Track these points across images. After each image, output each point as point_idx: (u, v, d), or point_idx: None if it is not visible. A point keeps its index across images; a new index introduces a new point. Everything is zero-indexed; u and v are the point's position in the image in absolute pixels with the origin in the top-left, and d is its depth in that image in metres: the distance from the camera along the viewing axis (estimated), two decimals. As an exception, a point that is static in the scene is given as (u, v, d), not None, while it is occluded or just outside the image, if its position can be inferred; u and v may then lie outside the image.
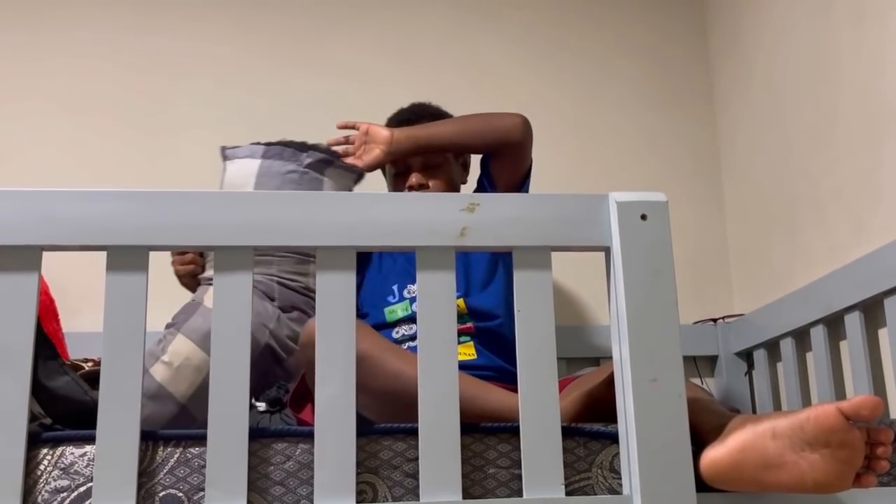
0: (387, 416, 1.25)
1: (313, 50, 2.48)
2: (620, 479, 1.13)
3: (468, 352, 1.70)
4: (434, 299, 1.10)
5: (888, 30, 1.71)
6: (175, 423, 1.40)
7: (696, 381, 2.23)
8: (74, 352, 1.69)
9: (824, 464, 1.02)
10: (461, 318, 1.68)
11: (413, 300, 1.74)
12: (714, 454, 1.08)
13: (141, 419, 1.02)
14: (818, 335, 1.84)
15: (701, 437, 1.13)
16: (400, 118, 1.92)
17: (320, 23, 2.50)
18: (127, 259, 1.06)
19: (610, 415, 1.14)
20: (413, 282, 1.75)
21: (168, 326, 1.50)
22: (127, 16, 2.45)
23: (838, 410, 1.01)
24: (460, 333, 1.69)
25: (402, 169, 1.84)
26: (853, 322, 1.71)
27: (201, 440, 1.06)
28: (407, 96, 2.46)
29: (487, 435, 1.13)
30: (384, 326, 1.74)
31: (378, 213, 1.10)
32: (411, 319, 1.72)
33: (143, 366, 1.05)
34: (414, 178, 1.81)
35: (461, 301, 1.74)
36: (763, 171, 2.24)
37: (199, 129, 2.39)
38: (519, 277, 1.13)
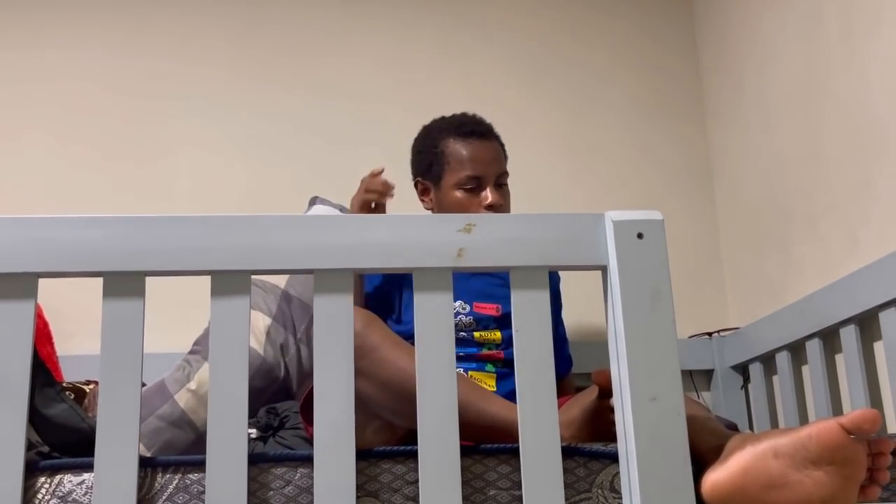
0: (387, 411, 1.29)
1: (306, 69, 2.49)
2: (621, 498, 1.12)
3: (489, 382, 1.66)
4: (432, 321, 1.10)
5: (878, 46, 1.72)
6: (193, 451, 1.39)
7: (693, 395, 2.24)
8: (70, 375, 1.68)
9: (830, 481, 1.00)
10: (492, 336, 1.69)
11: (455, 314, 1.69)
12: (716, 477, 1.08)
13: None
14: (814, 348, 1.85)
15: (699, 457, 1.13)
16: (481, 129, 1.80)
17: (313, 42, 2.51)
18: (123, 285, 1.06)
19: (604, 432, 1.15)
20: (485, 300, 1.73)
21: (193, 352, 1.50)
22: (117, 37, 2.45)
23: (840, 426, 0.99)
24: (485, 360, 1.67)
25: (472, 184, 1.74)
26: (848, 335, 1.71)
27: (200, 466, 1.05)
28: (400, 115, 2.47)
29: (487, 456, 1.12)
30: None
31: (374, 235, 1.10)
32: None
33: (140, 392, 1.04)
34: (492, 197, 1.73)
35: (498, 307, 1.72)
36: (756, 185, 2.25)
37: (192, 149, 2.39)
38: (516, 297, 1.13)
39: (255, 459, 1.07)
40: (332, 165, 2.42)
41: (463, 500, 1.07)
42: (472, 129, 1.78)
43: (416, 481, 1.06)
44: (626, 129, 2.54)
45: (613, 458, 1.15)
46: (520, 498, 1.09)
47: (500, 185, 1.76)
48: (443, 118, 1.84)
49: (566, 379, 1.90)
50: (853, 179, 1.80)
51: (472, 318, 1.72)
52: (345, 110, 2.47)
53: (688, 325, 2.34)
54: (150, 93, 2.42)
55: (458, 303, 1.73)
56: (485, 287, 1.76)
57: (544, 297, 1.13)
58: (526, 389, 1.10)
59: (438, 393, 1.07)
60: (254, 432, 1.47)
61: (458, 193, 1.74)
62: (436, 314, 1.10)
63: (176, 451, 1.37)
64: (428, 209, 1.82)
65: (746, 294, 2.31)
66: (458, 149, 1.75)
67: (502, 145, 1.82)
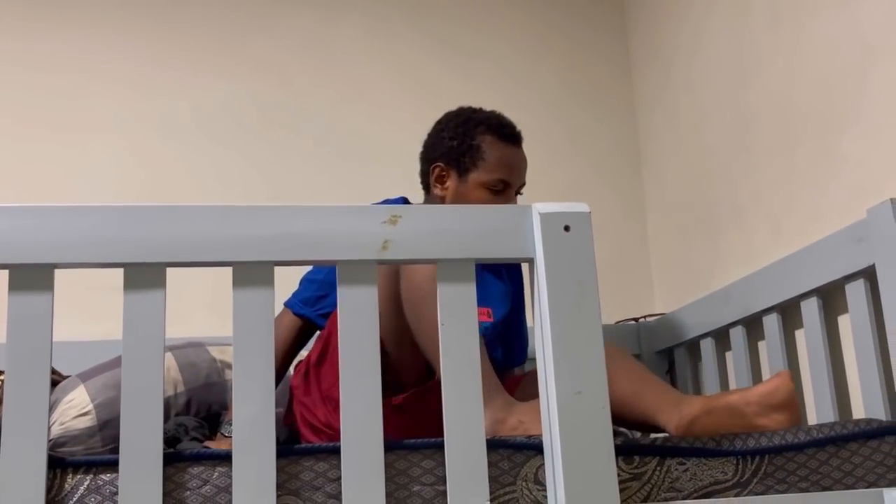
0: (406, 354, 1.44)
1: (230, 50, 2.42)
2: (545, 490, 1.12)
3: None
4: (356, 315, 1.07)
5: (804, 35, 1.74)
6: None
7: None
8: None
9: (786, 419, 1.27)
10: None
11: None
12: (692, 411, 1.30)
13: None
14: (737, 335, 1.87)
15: (651, 416, 1.35)
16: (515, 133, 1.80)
17: (238, 23, 2.45)
18: (31, 278, 1.01)
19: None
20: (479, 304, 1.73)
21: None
22: (36, 16, 2.35)
23: (791, 380, 1.28)
24: None
25: (500, 187, 1.73)
26: (771, 323, 1.74)
27: (113, 466, 1.01)
28: (327, 97, 2.43)
29: (411, 452, 1.11)
30: None
31: (297, 226, 1.07)
32: None
33: (48, 389, 1.00)
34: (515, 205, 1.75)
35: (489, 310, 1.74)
36: (684, 174, 2.27)
37: (110, 133, 2.31)
38: (443, 290, 1.11)
39: (170, 459, 1.03)
40: (259, 150, 2.37)
41: (386, 496, 1.06)
42: (512, 133, 1.77)
43: (339, 478, 1.04)
44: (556, 117, 2.53)
45: (538, 449, 1.14)
46: (444, 493, 1.07)
47: (520, 193, 1.79)
48: (481, 110, 1.81)
49: (519, 368, 1.89)
50: (778, 169, 1.83)
51: None
52: (272, 92, 2.41)
53: (614, 310, 2.35)
54: (69, 72, 2.33)
55: None
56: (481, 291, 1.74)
57: (470, 289, 1.12)
58: (451, 383, 1.08)
59: (361, 389, 1.05)
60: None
61: (484, 193, 1.72)
62: (360, 308, 1.08)
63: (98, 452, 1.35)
64: (438, 196, 1.76)
65: (672, 281, 2.34)
66: (497, 149, 1.73)
67: None
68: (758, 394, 1.28)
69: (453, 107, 2.47)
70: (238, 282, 1.05)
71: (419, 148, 2.46)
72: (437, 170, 1.75)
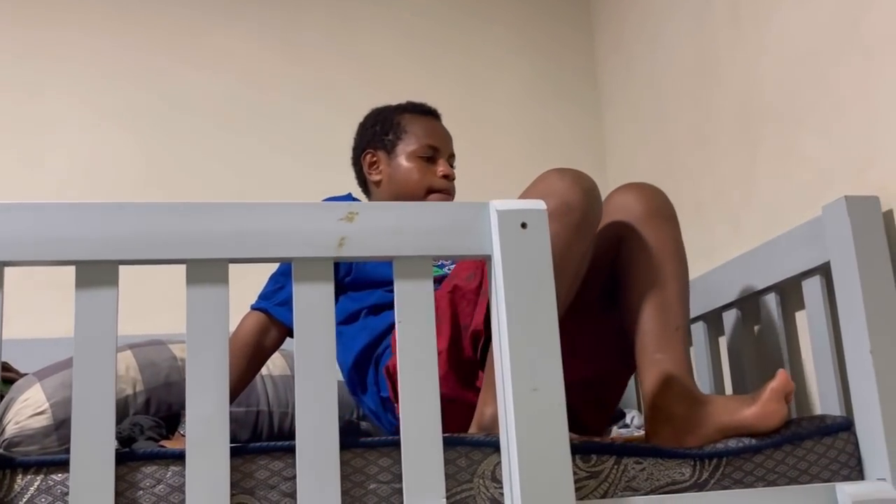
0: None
1: (193, 41, 2.40)
2: (502, 488, 1.12)
3: None
4: (312, 312, 1.07)
5: (764, 30, 1.75)
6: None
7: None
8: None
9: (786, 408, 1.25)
10: None
11: (442, 265, 1.72)
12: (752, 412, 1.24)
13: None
14: (698, 331, 1.89)
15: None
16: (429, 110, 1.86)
17: (200, 14, 2.43)
18: (-21, 276, 1.00)
19: None
20: None
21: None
22: (-5, 4, 2.32)
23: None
24: None
25: (430, 153, 1.76)
26: (731, 319, 1.75)
27: (64, 466, 1.00)
28: (290, 88, 2.41)
29: (368, 450, 1.11)
30: None
31: (251, 223, 1.06)
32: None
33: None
34: (448, 169, 1.76)
35: None
36: (647, 168, 2.28)
37: (69, 125, 2.29)
38: (399, 287, 1.11)
39: (123, 458, 1.02)
40: (222, 143, 2.35)
41: (342, 494, 1.05)
42: (429, 110, 1.85)
43: (294, 477, 1.04)
44: (521, 110, 2.54)
45: (496, 447, 1.14)
46: (401, 490, 1.07)
47: (452, 165, 1.79)
48: (396, 104, 1.88)
49: None
50: (738, 165, 1.84)
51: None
52: (234, 83, 2.39)
53: (579, 306, 2.36)
54: (26, 64, 2.30)
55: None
56: None
57: (428, 286, 1.12)
58: (408, 380, 1.08)
59: (318, 386, 1.05)
60: (115, 444, 1.42)
61: (416, 162, 1.75)
62: (316, 305, 1.08)
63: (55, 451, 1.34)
64: (374, 182, 1.79)
65: (636, 276, 2.35)
66: (417, 121, 1.79)
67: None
68: (777, 385, 1.25)
69: (419, 100, 2.47)
70: (192, 279, 1.04)
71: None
72: (367, 157, 1.80)
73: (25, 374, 1.65)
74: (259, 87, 2.40)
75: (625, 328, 1.43)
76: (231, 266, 1.05)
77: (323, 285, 1.08)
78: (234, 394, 1.62)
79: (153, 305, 2.12)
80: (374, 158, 1.79)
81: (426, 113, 1.84)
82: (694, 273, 1.98)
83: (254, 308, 1.68)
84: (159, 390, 1.70)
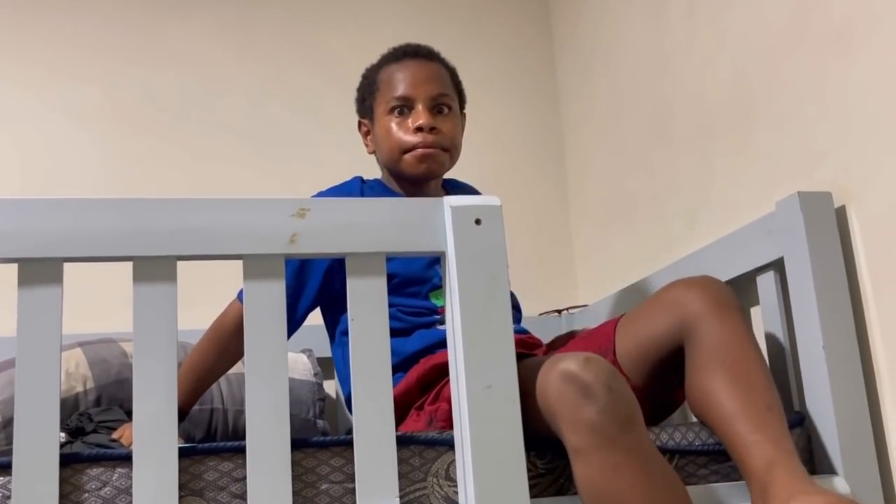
0: None
1: (147, 38, 2.36)
2: (456, 486, 1.12)
3: None
4: (262, 311, 1.05)
5: (718, 28, 1.76)
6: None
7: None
8: None
9: None
10: None
11: None
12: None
13: None
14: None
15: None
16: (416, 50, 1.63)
17: (155, 10, 2.38)
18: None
19: None
20: None
21: None
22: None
23: None
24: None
25: (401, 106, 1.55)
26: (687, 314, 1.76)
27: (6, 469, 0.98)
28: (248, 87, 2.38)
29: (320, 449, 1.09)
30: (430, 312, 1.52)
31: (199, 219, 1.04)
32: None
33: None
34: (423, 118, 1.52)
35: None
36: (605, 165, 2.28)
37: (18, 122, 2.24)
38: (352, 284, 1.09)
39: (67, 460, 1.00)
40: (177, 141, 2.31)
41: (294, 494, 1.04)
42: (406, 50, 1.61)
43: (244, 478, 1.02)
44: (479, 107, 2.51)
45: (450, 445, 1.14)
46: (353, 490, 1.06)
47: (440, 110, 1.56)
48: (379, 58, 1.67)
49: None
50: (694, 160, 1.85)
51: None
52: (190, 81, 2.36)
53: (538, 302, 2.36)
54: (-25, 55, 2.25)
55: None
56: None
57: (381, 283, 1.10)
58: (360, 379, 1.07)
59: (268, 385, 1.03)
60: (63, 436, 1.39)
61: (388, 120, 1.55)
62: (268, 304, 1.06)
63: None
64: (371, 153, 1.65)
65: (595, 272, 2.36)
66: (387, 71, 1.59)
67: (448, 68, 1.64)
68: None
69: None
70: (139, 277, 1.02)
71: (342, 138, 2.42)
72: (361, 128, 1.66)
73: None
74: (215, 85, 2.36)
75: (704, 422, 1.26)
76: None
77: (274, 283, 1.06)
78: (208, 382, 1.53)
79: (104, 304, 2.09)
80: (366, 128, 1.64)
81: (398, 58, 1.61)
82: (651, 269, 1.99)
83: (239, 298, 1.58)
84: (110, 387, 1.67)
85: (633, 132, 2.12)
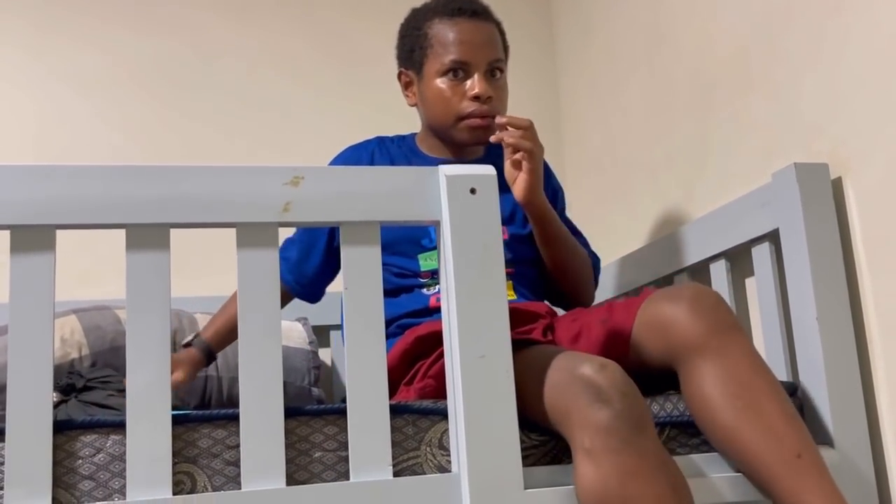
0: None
1: (144, 6, 2.33)
2: (449, 455, 1.12)
3: (508, 294, 1.48)
4: (256, 280, 1.05)
5: None
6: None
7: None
8: None
9: None
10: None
11: None
12: None
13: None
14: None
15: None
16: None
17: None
18: None
19: None
20: None
21: None
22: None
23: None
24: None
25: (457, 69, 1.51)
26: (682, 285, 1.76)
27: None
28: (242, 60, 2.36)
29: (313, 418, 1.10)
30: (414, 275, 1.50)
31: (192, 187, 1.03)
32: None
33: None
34: (480, 87, 1.49)
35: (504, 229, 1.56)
36: (602, 136, 2.27)
37: (13, 85, 2.22)
38: (347, 253, 1.09)
39: (61, 427, 1.00)
40: (173, 109, 2.29)
41: (287, 462, 1.04)
42: (461, 6, 1.54)
43: (237, 445, 1.02)
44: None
45: (443, 414, 1.14)
46: (347, 458, 1.06)
47: (494, 75, 1.54)
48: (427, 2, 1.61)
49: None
50: (690, 132, 1.84)
51: None
52: (184, 51, 2.33)
53: (534, 272, 2.36)
54: (-33, 20, 2.22)
55: None
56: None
57: (375, 252, 1.10)
58: (355, 347, 1.07)
59: (262, 354, 1.03)
60: (56, 395, 1.38)
61: (442, 83, 1.51)
62: (260, 272, 1.06)
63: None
64: (412, 105, 1.61)
65: (592, 243, 2.35)
66: (444, 29, 1.52)
67: (499, 28, 1.59)
68: None
69: (372, 66, 2.43)
70: (132, 244, 1.02)
71: (337, 108, 2.41)
72: (402, 77, 1.61)
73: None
74: (211, 54, 2.33)
75: (729, 457, 1.19)
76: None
77: (267, 251, 1.06)
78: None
79: (98, 271, 2.08)
80: (408, 79, 1.59)
81: (452, 14, 1.53)
82: (647, 240, 1.98)
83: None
84: (105, 354, 1.67)
85: (630, 102, 2.11)
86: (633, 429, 1.04)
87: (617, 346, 1.30)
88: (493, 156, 1.60)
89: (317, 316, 2.05)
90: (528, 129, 1.46)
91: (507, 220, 1.59)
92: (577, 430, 1.06)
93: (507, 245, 1.48)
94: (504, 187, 1.50)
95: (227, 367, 1.83)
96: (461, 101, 1.51)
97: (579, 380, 1.08)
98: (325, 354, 2.13)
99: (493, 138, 1.47)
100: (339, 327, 1.94)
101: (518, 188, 1.47)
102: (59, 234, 1.00)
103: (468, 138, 1.53)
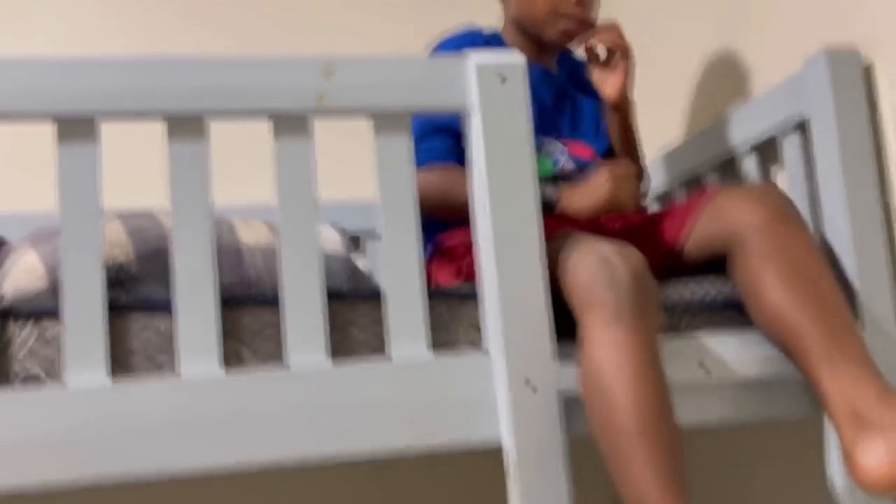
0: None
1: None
2: (482, 334, 1.16)
3: None
4: (293, 170, 1.09)
5: None
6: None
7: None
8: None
9: None
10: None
11: (556, 162, 1.50)
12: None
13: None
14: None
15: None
16: None
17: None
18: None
19: None
20: (573, 136, 1.56)
21: None
22: None
23: None
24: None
25: None
26: (713, 180, 1.77)
27: (58, 316, 1.04)
28: (216, 40, 2.28)
29: (353, 299, 1.14)
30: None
31: (228, 78, 1.06)
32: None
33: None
34: None
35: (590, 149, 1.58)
36: (628, 27, 2.25)
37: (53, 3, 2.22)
38: (380, 143, 1.12)
39: (112, 308, 1.06)
40: (207, 19, 2.28)
41: (328, 341, 1.09)
42: None
43: (279, 325, 1.07)
44: None
45: (476, 297, 1.18)
46: (382, 334, 1.11)
47: None
48: None
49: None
50: (722, 19, 1.82)
51: (573, 164, 1.52)
52: (160, 34, 2.26)
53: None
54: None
55: (557, 145, 1.52)
56: (572, 120, 1.60)
57: (406, 142, 1.13)
58: (390, 233, 1.11)
59: (301, 240, 1.08)
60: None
61: None
62: (297, 162, 1.09)
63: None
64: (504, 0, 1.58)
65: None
66: None
67: None
68: None
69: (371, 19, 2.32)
70: (172, 135, 1.06)
71: (360, 9, 2.34)
72: None
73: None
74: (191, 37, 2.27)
75: (771, 337, 1.21)
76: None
77: (303, 141, 1.10)
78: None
79: (142, 182, 2.11)
80: None
81: None
82: (676, 134, 1.99)
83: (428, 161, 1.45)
84: (149, 256, 1.72)
85: None
86: (633, 309, 1.08)
87: (672, 231, 1.35)
88: (567, 66, 1.64)
89: (348, 223, 2.06)
90: (617, 31, 1.50)
91: (589, 133, 1.61)
92: (584, 308, 1.10)
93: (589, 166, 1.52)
94: (582, 96, 1.60)
95: (267, 272, 1.87)
96: (566, 5, 1.48)
97: (598, 262, 1.11)
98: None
99: (588, 42, 1.50)
100: (375, 235, 1.94)
101: (612, 88, 1.50)
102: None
103: (558, 38, 1.53)
